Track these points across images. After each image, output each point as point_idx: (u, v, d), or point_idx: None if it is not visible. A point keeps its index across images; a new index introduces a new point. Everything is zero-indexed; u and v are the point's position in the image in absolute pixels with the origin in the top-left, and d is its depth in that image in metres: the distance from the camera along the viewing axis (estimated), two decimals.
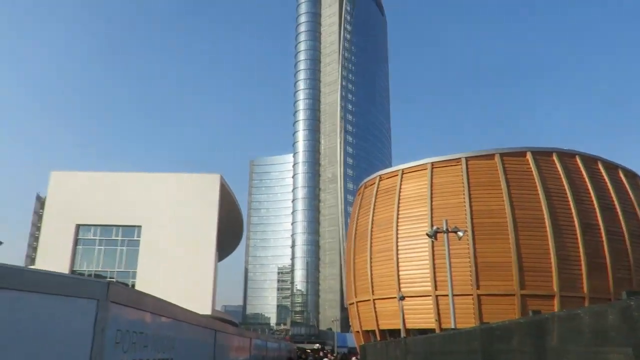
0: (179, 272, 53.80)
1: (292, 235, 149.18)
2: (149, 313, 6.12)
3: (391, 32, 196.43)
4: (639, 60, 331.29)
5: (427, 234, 22.17)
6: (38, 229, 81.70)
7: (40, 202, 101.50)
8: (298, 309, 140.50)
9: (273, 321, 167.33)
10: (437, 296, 38.00)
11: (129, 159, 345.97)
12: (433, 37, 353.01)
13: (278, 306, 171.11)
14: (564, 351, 5.71)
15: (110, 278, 55.89)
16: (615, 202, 40.91)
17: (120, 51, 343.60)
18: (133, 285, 53.44)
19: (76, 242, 58.71)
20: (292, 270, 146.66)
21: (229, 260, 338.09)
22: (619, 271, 38.05)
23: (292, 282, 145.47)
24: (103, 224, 58.79)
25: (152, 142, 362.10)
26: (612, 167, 43.90)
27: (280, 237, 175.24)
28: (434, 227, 21.87)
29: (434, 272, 38.71)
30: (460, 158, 42.86)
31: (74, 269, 56.14)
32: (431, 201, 41.30)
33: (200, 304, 50.03)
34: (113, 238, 59.04)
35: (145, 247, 57.19)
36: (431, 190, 42.21)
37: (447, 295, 25.54)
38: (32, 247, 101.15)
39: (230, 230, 75.82)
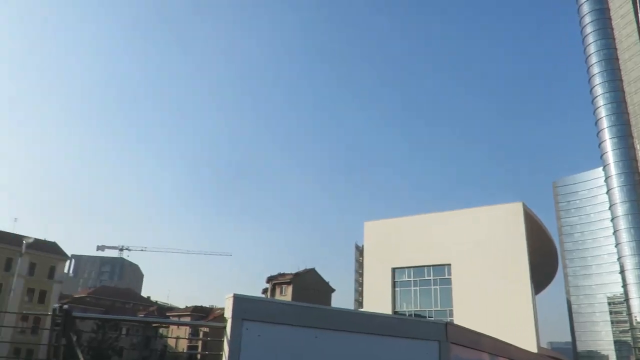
0: (493, 308, 52.33)
1: (619, 258, 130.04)
2: (487, 353, 6.14)
3: None
4: None
5: None
6: (360, 274, 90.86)
7: (359, 250, 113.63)
8: None
9: (612, 359, 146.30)
10: None
11: (424, 201, 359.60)
12: None
13: (615, 342, 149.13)
14: None
15: (430, 317, 58.14)
16: None
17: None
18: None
19: (394, 284, 63.12)
20: (627, 300, 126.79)
21: (548, 294, 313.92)
22: None
23: (630, 314, 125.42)
24: (415, 265, 61.92)
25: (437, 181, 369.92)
26: None
27: (604, 263, 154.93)
28: None
29: None
30: None
31: (396, 310, 60.16)
32: None
33: (523, 340, 47.42)
34: (425, 278, 61.46)
35: (457, 284, 57.75)
36: None
37: None
38: (358, 292, 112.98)
39: (544, 259, 70.72)
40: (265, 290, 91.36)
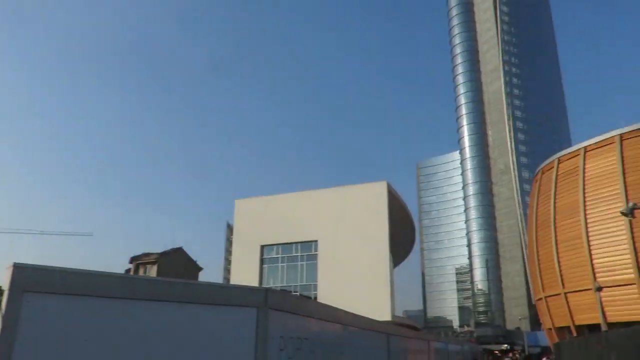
0: (355, 281, 54.96)
1: (467, 233, 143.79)
2: (314, 319, 6.05)
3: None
4: None
5: (621, 212, 19.39)
6: (230, 253, 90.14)
7: (230, 228, 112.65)
8: (481, 309, 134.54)
9: (455, 323, 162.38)
10: None
11: (292, 177, 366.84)
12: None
13: (459, 308, 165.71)
14: None
15: (295, 292, 59.26)
16: None
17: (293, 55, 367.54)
18: (315, 297, 55.97)
19: (262, 261, 63.51)
20: (471, 270, 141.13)
21: (407, 267, 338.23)
22: None
23: (472, 282, 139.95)
24: (283, 242, 62.73)
25: (309, 158, 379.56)
26: None
27: (455, 237, 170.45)
28: (630, 204, 19.04)
29: (637, 257, 33.92)
30: None
31: (262, 286, 60.77)
32: (624, 178, 36.45)
33: (380, 310, 50.41)
34: (293, 254, 62.65)
35: (323, 260, 59.61)
36: (622, 165, 37.30)
37: None
38: (227, 270, 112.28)
39: (403, 235, 75.63)
40: (128, 271, 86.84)
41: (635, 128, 38.38)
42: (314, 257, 61.27)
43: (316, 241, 61.38)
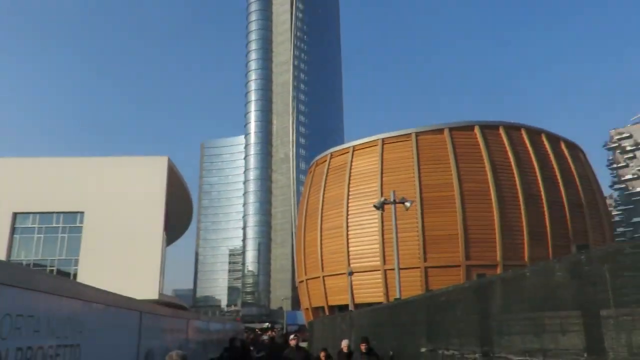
0: (123, 258, 51.82)
1: (244, 217, 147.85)
2: (44, 293, 5.30)
3: (343, 8, 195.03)
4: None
5: (374, 206, 21.87)
6: None
7: None
8: (249, 289, 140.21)
9: (224, 303, 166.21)
10: (385, 270, 38.22)
11: (75, 143, 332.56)
12: (385, 13, 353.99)
13: (229, 288, 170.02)
14: (509, 314, 5.31)
15: (51, 267, 53.43)
16: (557, 173, 42.11)
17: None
18: (75, 274, 51.32)
19: (13, 230, 55.67)
20: (244, 252, 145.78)
21: (182, 245, 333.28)
22: (558, 240, 39.27)
23: (244, 264, 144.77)
24: (42, 211, 55.85)
25: (101, 127, 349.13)
26: (554, 139, 45.12)
27: (232, 220, 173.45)
28: (382, 199, 21.58)
29: (383, 247, 38.86)
30: (410, 133, 43.00)
31: (11, 259, 53.21)
32: (382, 177, 41.29)
33: (147, 288, 48.57)
34: (54, 225, 56.31)
35: (90, 233, 54.78)
36: (382, 166, 42.16)
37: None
38: None
39: (180, 213, 74.00)
40: None
41: (394, 135, 43.80)
42: (78, 230, 55.94)
43: (82, 212, 56.12)
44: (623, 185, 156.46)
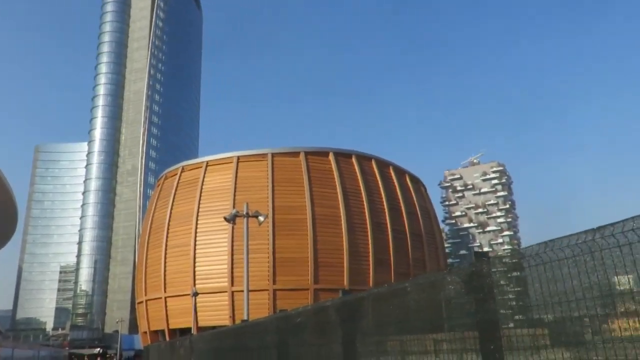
0: None
1: (80, 230, 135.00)
2: None
3: (207, 25, 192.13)
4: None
5: (225, 218, 20.61)
6: None
7: None
8: (81, 311, 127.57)
9: (50, 326, 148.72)
10: (233, 292, 36.83)
11: None
12: (249, 36, 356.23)
13: (57, 309, 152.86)
14: (374, 336, 4.64)
15: None
16: (401, 204, 44.62)
17: None
18: None
19: None
20: (77, 269, 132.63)
21: (2, 260, 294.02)
22: (400, 267, 41.39)
23: (76, 282, 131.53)
24: None
25: None
26: (401, 172, 47.96)
27: (66, 233, 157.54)
28: (234, 210, 20.46)
29: (232, 268, 37.50)
30: (266, 153, 42.64)
31: None
32: (234, 195, 40.11)
33: None
34: None
35: None
36: (235, 184, 41.06)
37: (243, 291, 24.38)
38: None
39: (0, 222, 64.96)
40: None
41: (251, 153, 43.12)
42: None
43: None
44: (453, 221, 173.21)
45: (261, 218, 19.02)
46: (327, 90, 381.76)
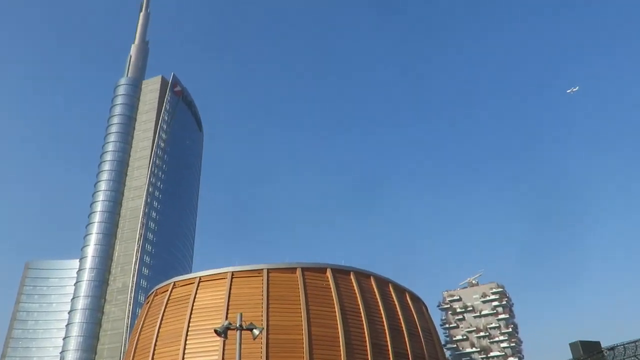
0: None
1: (62, 352, 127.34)
2: None
3: (207, 144, 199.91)
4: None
5: (215, 330, 18.91)
6: None
7: None
8: None
9: None
10: None
11: None
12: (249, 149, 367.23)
13: None
14: None
15: None
16: (403, 324, 42.36)
17: None
18: None
19: None
20: None
21: None
22: None
23: None
24: None
25: None
26: (400, 290, 46.21)
27: (47, 356, 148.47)
28: (226, 322, 18.84)
29: None
30: (262, 269, 41.31)
31: None
32: (227, 313, 38.07)
33: None
34: None
35: None
36: (228, 301, 39.20)
37: None
38: None
39: None
40: None
41: (245, 269, 41.70)
42: None
43: None
44: (454, 345, 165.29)
45: (256, 331, 17.47)
46: (324, 218, 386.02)
